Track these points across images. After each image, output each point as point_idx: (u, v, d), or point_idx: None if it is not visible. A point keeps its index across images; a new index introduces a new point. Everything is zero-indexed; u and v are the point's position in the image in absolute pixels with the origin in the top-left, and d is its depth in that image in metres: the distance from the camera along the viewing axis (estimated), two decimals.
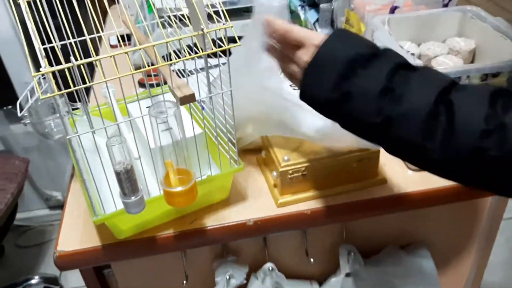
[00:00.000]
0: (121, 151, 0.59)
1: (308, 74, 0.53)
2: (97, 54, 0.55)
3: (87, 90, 0.83)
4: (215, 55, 0.62)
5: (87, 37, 0.63)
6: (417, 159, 0.49)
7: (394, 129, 0.47)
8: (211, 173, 0.69)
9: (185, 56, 0.59)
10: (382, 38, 0.81)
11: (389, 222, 0.83)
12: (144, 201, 0.63)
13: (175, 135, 0.65)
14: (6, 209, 1.35)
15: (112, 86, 0.88)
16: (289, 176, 0.72)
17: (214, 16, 0.59)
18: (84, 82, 0.54)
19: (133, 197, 0.62)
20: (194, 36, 0.59)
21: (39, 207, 1.98)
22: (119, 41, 0.68)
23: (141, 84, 1.07)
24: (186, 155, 0.63)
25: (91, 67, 0.65)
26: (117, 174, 0.60)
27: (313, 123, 0.71)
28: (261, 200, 0.75)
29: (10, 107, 1.68)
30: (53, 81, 0.51)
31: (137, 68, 0.57)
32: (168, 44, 0.56)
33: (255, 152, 0.82)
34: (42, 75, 0.76)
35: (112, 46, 1.26)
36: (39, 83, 0.78)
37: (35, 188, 1.89)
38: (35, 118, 0.73)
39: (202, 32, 0.58)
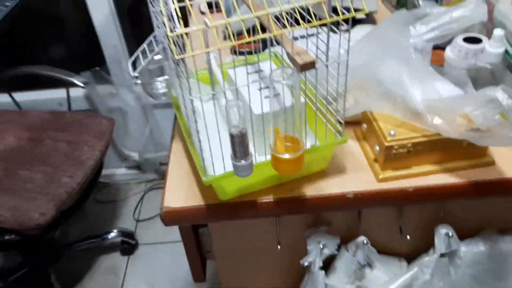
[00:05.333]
0: (238, 115, 0.60)
1: None
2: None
3: None
4: (335, 23, 0.61)
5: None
6: None
7: None
8: (316, 143, 0.70)
9: (308, 22, 0.58)
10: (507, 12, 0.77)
11: (490, 205, 0.80)
12: (253, 165, 0.65)
13: (282, 102, 0.66)
14: (95, 165, 1.43)
15: (214, 51, 0.90)
16: (394, 151, 0.71)
17: None
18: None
19: (243, 161, 0.63)
20: (319, 2, 0.58)
21: (117, 166, 2.08)
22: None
23: (233, 51, 1.08)
24: (297, 123, 0.63)
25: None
26: (232, 137, 0.62)
27: (427, 96, 0.69)
28: (360, 174, 0.75)
29: (97, 68, 1.76)
30: (187, 42, 0.53)
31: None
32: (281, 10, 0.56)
33: (352, 125, 0.82)
34: (155, 37, 0.79)
35: (202, 13, 1.28)
36: (149, 44, 0.81)
37: (115, 147, 1.99)
38: (146, 79, 0.76)
39: None
